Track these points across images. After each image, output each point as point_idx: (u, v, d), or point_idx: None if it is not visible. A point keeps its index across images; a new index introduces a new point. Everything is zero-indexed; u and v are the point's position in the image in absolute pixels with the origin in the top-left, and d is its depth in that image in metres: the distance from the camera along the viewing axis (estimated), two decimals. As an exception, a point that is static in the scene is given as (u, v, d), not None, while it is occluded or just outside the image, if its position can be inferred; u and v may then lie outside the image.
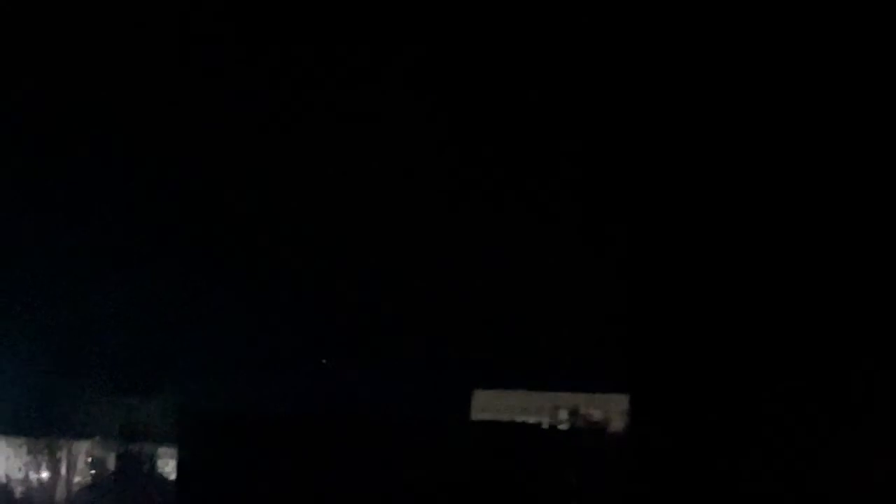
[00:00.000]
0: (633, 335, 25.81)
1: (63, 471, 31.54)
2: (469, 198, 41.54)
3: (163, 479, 28.35)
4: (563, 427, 27.69)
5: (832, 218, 22.18)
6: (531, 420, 27.95)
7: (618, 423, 26.99)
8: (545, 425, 27.80)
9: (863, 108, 21.01)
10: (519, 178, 35.42)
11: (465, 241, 40.19)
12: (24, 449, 31.97)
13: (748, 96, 22.85)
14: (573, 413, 27.77)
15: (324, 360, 34.49)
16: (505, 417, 27.93)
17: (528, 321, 33.63)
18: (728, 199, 23.60)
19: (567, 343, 30.62)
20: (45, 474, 32.00)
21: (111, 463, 29.80)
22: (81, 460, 31.67)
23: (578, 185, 32.28)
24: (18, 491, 31.68)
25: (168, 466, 28.50)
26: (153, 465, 29.07)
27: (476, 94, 37.52)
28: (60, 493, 31.28)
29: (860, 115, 21.04)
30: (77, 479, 31.81)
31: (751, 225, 23.75)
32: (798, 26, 21.29)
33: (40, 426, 32.02)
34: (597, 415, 27.48)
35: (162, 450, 29.09)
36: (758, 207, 22.83)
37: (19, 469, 31.95)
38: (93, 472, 31.09)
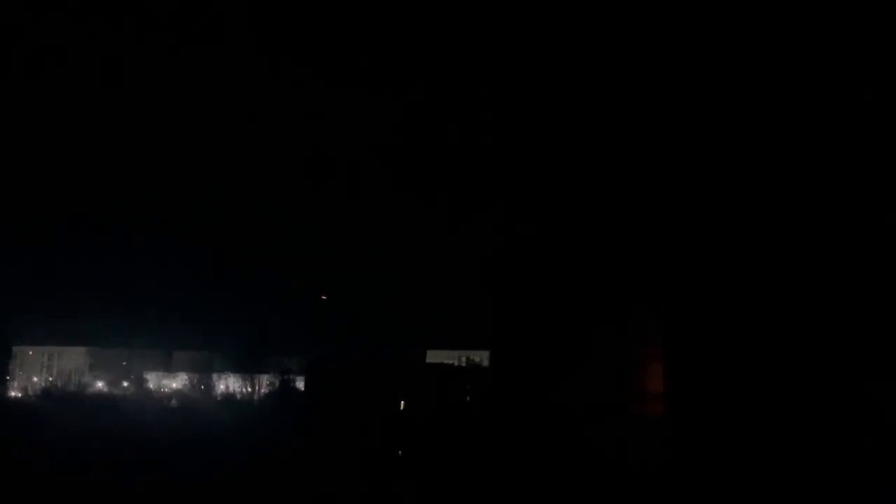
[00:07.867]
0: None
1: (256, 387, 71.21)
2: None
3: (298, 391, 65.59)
4: (462, 364, 63.55)
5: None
6: (450, 362, 64.08)
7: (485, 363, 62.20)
8: (456, 364, 63.71)
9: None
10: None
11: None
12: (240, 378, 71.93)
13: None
14: (468, 360, 63.88)
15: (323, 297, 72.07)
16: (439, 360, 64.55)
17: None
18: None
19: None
20: (248, 389, 71.47)
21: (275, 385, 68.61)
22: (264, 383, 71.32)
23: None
24: (238, 396, 70.84)
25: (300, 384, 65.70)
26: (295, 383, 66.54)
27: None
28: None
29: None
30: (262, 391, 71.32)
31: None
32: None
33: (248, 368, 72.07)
34: (478, 360, 62.82)
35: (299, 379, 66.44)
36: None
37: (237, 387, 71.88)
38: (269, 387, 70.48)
